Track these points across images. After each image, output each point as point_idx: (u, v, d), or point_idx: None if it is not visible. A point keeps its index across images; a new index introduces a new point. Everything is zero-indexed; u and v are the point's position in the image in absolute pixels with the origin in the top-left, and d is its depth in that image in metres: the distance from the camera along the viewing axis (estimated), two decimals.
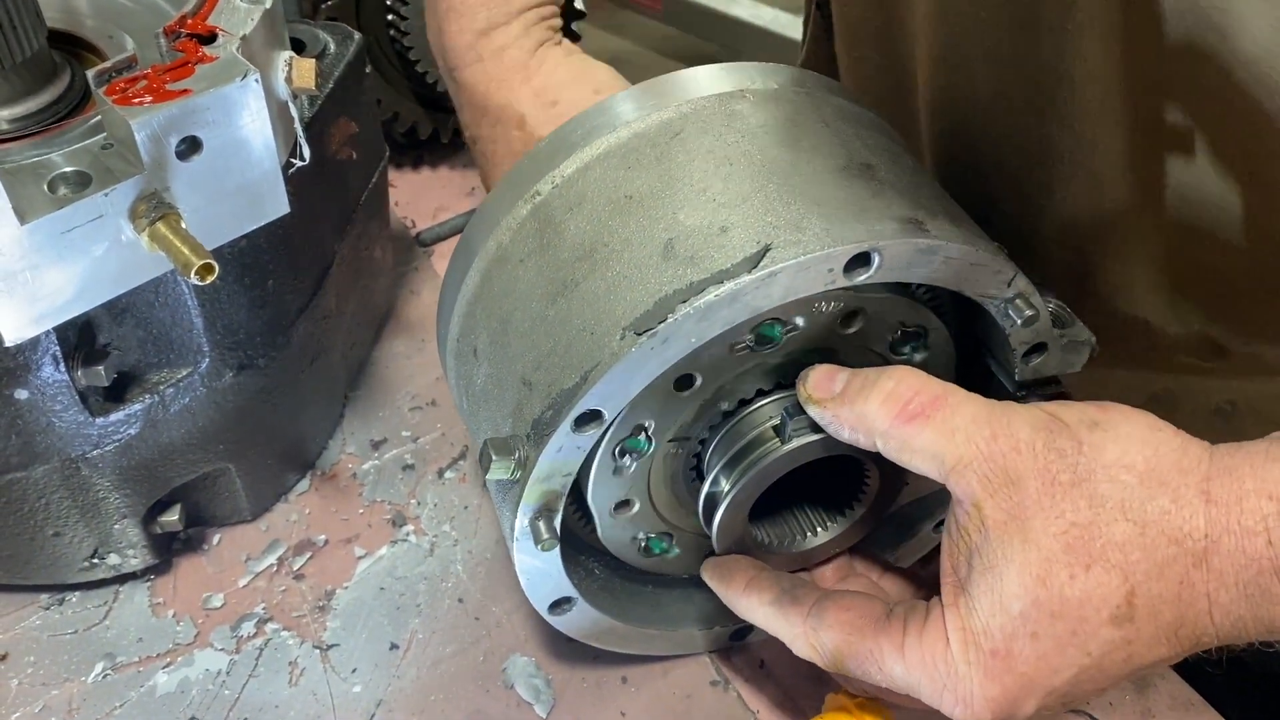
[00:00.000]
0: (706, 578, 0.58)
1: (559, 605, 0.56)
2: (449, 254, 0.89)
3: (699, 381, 0.51)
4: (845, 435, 0.50)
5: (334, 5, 0.85)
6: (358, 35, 0.69)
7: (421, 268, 0.89)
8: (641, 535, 0.59)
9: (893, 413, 0.48)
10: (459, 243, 0.58)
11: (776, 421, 0.52)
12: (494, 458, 0.48)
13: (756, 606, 0.54)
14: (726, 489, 0.53)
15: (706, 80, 0.55)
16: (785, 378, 0.53)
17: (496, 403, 0.52)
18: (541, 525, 0.50)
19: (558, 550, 0.52)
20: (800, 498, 0.59)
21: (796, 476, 0.54)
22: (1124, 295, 0.65)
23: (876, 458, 0.51)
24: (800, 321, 0.50)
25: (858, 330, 0.52)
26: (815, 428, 0.51)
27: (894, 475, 0.56)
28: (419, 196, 0.95)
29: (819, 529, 0.58)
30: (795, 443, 0.52)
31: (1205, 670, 0.62)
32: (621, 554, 0.60)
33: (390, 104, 0.91)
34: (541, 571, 0.54)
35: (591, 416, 0.48)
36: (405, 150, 0.97)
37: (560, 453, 0.49)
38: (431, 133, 0.94)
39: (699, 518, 0.55)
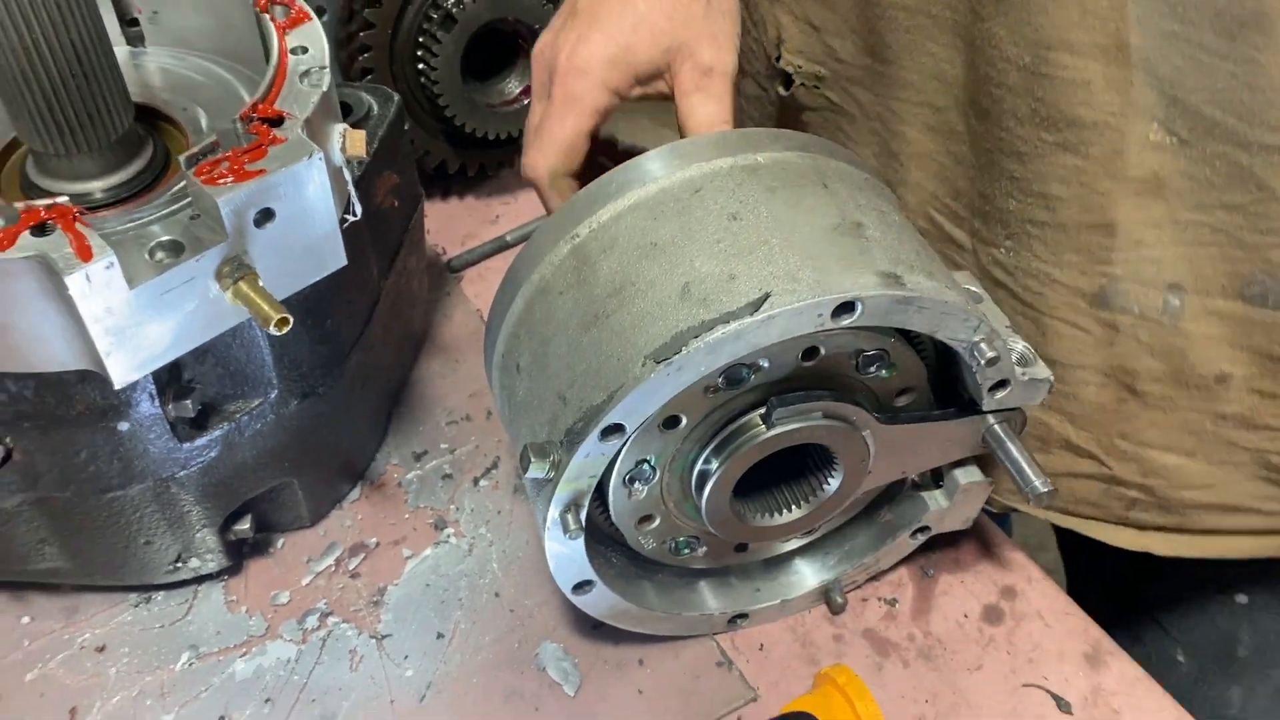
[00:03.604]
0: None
1: (581, 587, 0.65)
2: (478, 279, 0.99)
3: (684, 421, 0.60)
4: None
5: (370, 58, 0.93)
6: (396, 97, 0.78)
7: (453, 293, 0.98)
8: (669, 541, 0.68)
9: None
10: (506, 274, 0.66)
11: (763, 411, 0.61)
12: (533, 459, 0.57)
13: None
14: (715, 467, 0.62)
15: (724, 144, 0.63)
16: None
17: (535, 413, 0.61)
18: (569, 518, 0.59)
19: (582, 539, 0.61)
20: (778, 481, 0.68)
21: (774, 463, 0.63)
22: None
23: (843, 446, 0.62)
24: (765, 363, 0.59)
25: (819, 362, 0.60)
26: (796, 416, 0.60)
27: (857, 467, 0.65)
28: (448, 225, 1.04)
29: (792, 507, 0.67)
30: (778, 429, 0.60)
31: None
32: (653, 556, 0.69)
33: (421, 142, 1.00)
34: (568, 557, 0.63)
35: (615, 429, 0.57)
36: (435, 183, 1.06)
37: (588, 458, 0.57)
38: (459, 167, 1.03)
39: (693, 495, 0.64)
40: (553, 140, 0.73)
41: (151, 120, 0.72)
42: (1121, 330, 0.70)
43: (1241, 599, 0.85)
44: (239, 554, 0.77)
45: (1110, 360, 0.72)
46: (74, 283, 0.53)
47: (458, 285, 0.99)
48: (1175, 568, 0.84)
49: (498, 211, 1.06)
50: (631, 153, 0.84)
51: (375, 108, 0.77)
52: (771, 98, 0.88)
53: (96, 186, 0.66)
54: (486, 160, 1.04)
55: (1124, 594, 0.94)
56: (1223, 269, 0.66)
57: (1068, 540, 1.07)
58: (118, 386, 0.59)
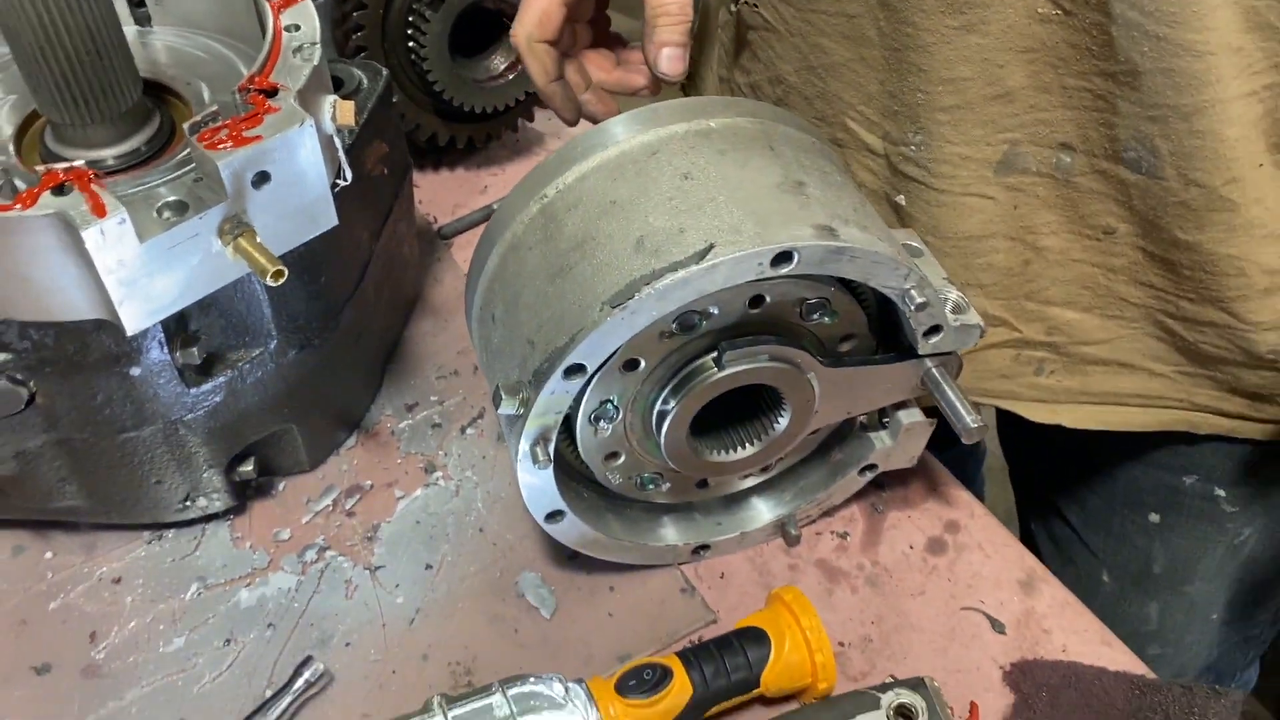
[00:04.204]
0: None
1: (553, 516, 0.72)
2: (467, 245, 1.06)
3: (643, 364, 0.66)
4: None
5: (362, 36, 0.99)
6: (385, 71, 0.84)
7: (443, 259, 1.04)
8: (635, 476, 0.74)
9: None
10: (483, 232, 0.72)
11: (715, 354, 0.67)
12: (504, 397, 0.63)
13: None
14: (673, 406, 0.68)
15: (681, 111, 0.68)
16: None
17: (508, 357, 0.67)
18: (539, 450, 0.66)
19: (551, 470, 0.67)
20: (732, 422, 0.74)
21: (729, 404, 0.69)
22: None
23: (790, 388, 0.68)
24: (715, 310, 0.65)
25: (765, 309, 0.66)
26: (745, 359, 0.66)
27: (804, 408, 0.71)
28: (439, 195, 1.10)
29: (746, 445, 0.73)
30: (728, 370, 0.66)
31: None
32: (621, 490, 0.75)
33: (413, 117, 1.06)
34: (539, 488, 0.69)
35: (577, 369, 0.63)
36: (426, 155, 1.12)
37: (553, 395, 0.64)
38: (449, 140, 1.09)
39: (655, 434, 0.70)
40: (529, 7, 0.79)
41: (158, 94, 0.78)
42: (1024, 191, 0.78)
43: (1154, 518, 0.92)
44: (243, 495, 0.83)
45: (1016, 223, 0.80)
46: (90, 237, 0.59)
47: (448, 251, 1.05)
48: (1099, 492, 0.90)
49: (486, 182, 1.12)
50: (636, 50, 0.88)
51: (365, 81, 0.83)
52: (733, 21, 0.94)
53: (109, 154, 0.72)
54: (475, 133, 1.10)
55: (1061, 524, 1.01)
56: (1104, 133, 0.73)
57: (1018, 478, 1.13)
58: (130, 334, 0.65)
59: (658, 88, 0.82)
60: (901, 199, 0.83)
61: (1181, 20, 0.64)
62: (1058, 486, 1.00)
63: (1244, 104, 0.68)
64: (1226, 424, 0.82)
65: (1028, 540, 1.07)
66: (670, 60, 0.75)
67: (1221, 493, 0.88)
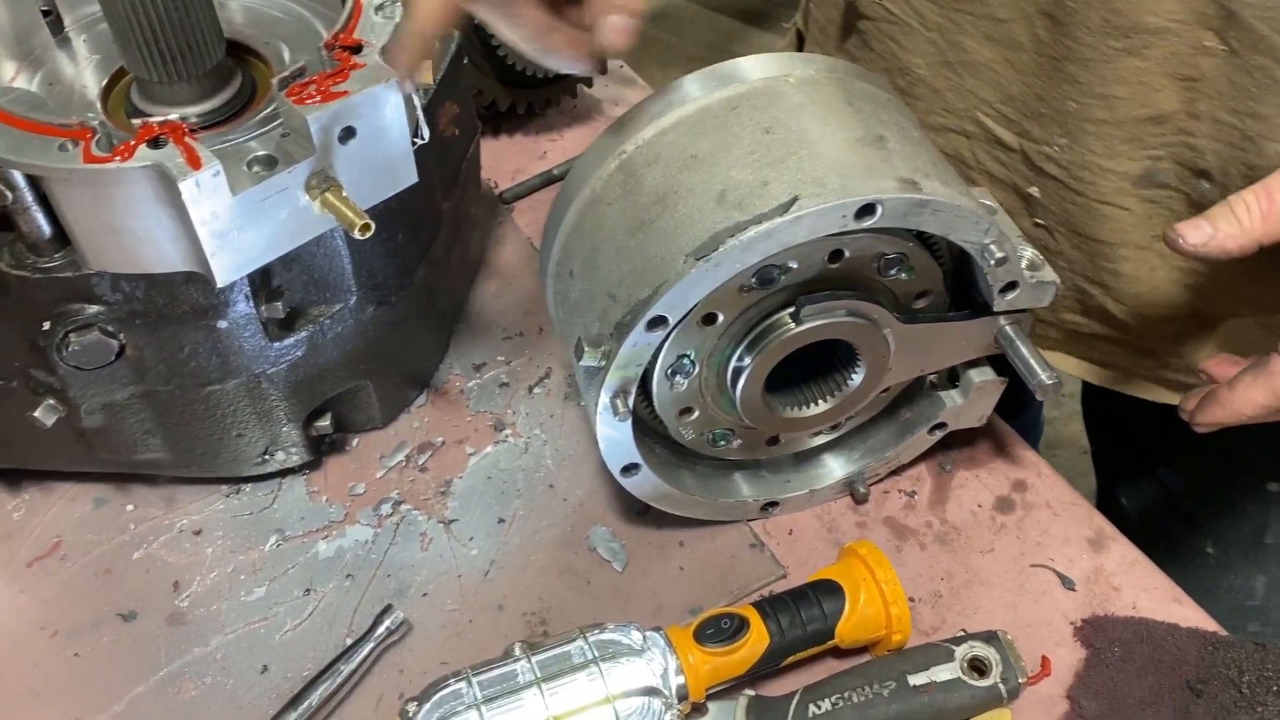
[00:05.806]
0: (1197, 422, 0.71)
1: (628, 470, 0.73)
2: (528, 210, 1.06)
3: (721, 318, 0.67)
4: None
5: None
6: (456, 34, 0.85)
7: (505, 223, 1.05)
8: (707, 432, 0.75)
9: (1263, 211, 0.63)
10: (560, 190, 0.73)
11: (793, 309, 0.67)
12: (586, 349, 0.64)
13: (1247, 395, 0.67)
14: (749, 362, 0.68)
15: (759, 67, 0.69)
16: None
17: (587, 311, 0.68)
18: (618, 403, 0.67)
19: (629, 423, 0.68)
20: (805, 378, 0.75)
21: (802, 361, 0.69)
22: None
23: (866, 343, 0.68)
24: (794, 264, 0.65)
25: (844, 265, 0.67)
26: (823, 313, 0.67)
27: (878, 364, 0.71)
28: (500, 161, 1.11)
29: (820, 401, 0.74)
30: (806, 325, 0.67)
31: None
32: (693, 446, 0.76)
33: (474, 82, 1.06)
34: (616, 441, 0.70)
35: (659, 320, 0.64)
36: (487, 121, 1.13)
37: (635, 347, 0.65)
38: (509, 106, 1.10)
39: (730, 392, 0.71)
40: None
41: (239, 54, 0.79)
42: (1159, 204, 0.79)
43: (1273, 487, 0.91)
44: (319, 450, 0.85)
45: (1147, 232, 0.81)
46: (186, 188, 0.61)
47: (510, 216, 1.06)
48: (1210, 460, 0.90)
49: (545, 148, 1.13)
50: None
51: (437, 43, 0.83)
52: (841, 7, 0.93)
53: (193, 111, 0.73)
54: (535, 99, 1.11)
55: (1156, 493, 1.00)
56: (1243, 171, 0.74)
57: (1101, 450, 1.13)
58: (220, 285, 0.67)
59: (598, 68, 0.65)
60: (1035, 191, 0.83)
61: None
62: (1157, 454, 1.00)
63: None
64: None
65: (1113, 514, 1.07)
66: (618, 32, 0.59)
67: None
